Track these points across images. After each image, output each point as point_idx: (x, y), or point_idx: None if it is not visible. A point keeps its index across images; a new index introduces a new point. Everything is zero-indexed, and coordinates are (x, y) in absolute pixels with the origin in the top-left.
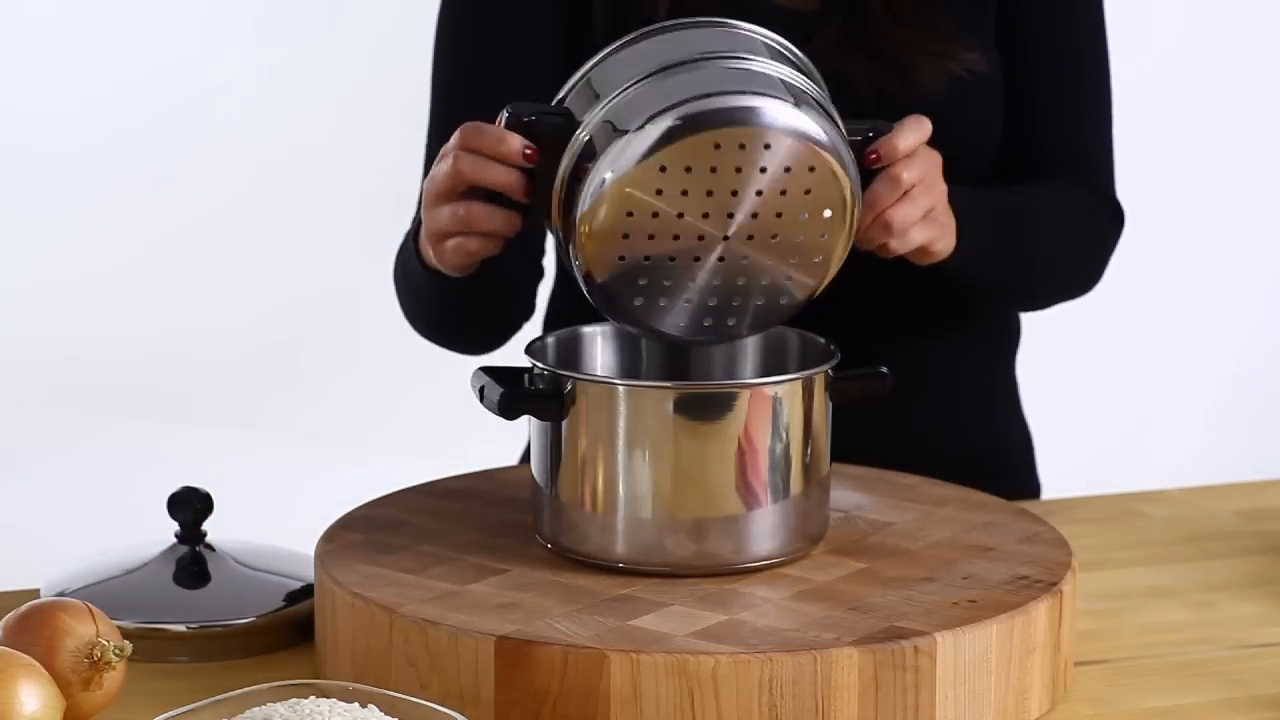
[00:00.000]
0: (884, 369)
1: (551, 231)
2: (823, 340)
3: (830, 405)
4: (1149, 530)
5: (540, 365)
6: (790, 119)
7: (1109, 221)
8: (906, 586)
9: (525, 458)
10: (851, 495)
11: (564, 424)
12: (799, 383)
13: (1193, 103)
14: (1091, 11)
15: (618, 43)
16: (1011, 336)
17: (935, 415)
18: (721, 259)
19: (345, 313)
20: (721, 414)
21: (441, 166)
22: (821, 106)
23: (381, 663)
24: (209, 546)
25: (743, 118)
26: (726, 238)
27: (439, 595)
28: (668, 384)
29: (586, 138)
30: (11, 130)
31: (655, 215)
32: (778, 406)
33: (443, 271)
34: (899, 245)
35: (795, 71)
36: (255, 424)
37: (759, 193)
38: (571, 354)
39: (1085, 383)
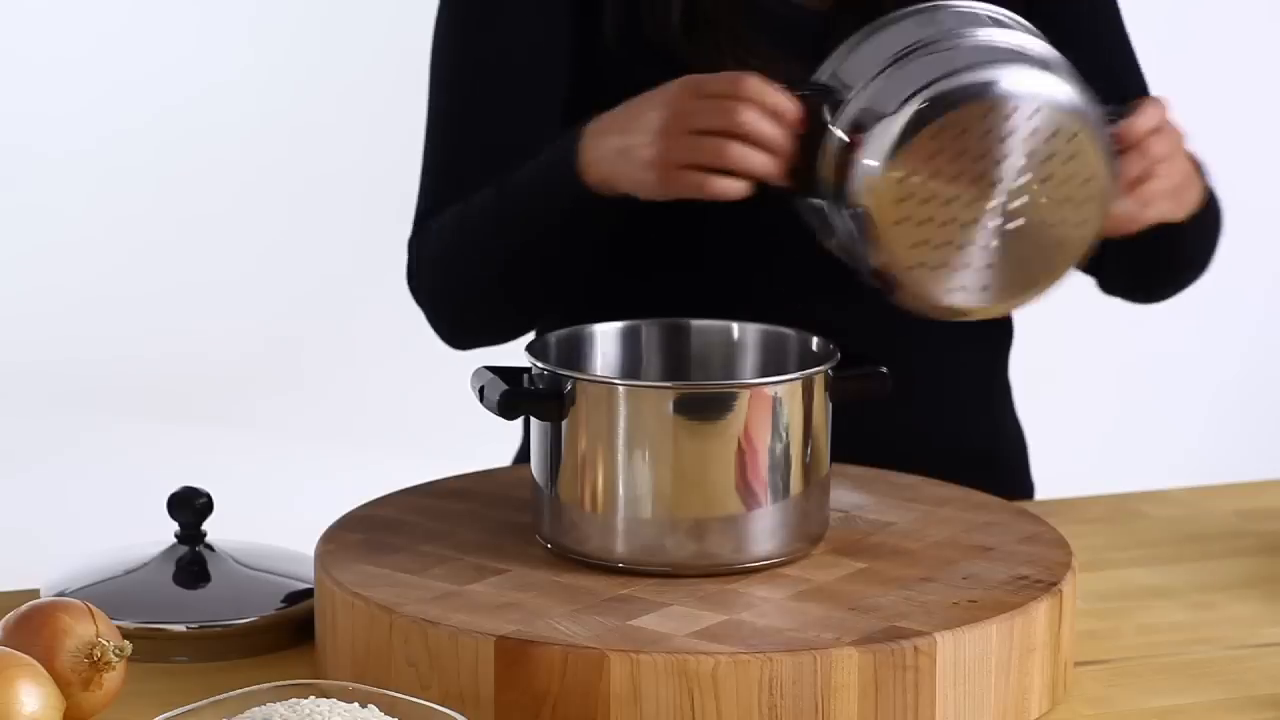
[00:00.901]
0: (883, 369)
1: (800, 196)
2: (822, 340)
3: (830, 405)
4: (1149, 530)
5: (540, 365)
6: (1036, 86)
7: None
8: (906, 586)
9: (520, 457)
10: (851, 495)
11: (564, 424)
12: (799, 383)
13: (1192, 102)
14: (1115, 14)
15: (857, 36)
16: (1004, 337)
17: (929, 416)
18: (996, 224)
19: (345, 313)
20: (721, 414)
21: (705, 105)
22: (1068, 69)
23: (381, 663)
24: (209, 546)
25: (987, 91)
26: (999, 204)
27: (439, 595)
28: (668, 384)
29: (848, 122)
30: (10, 131)
31: (927, 190)
32: (778, 406)
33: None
34: (1144, 218)
35: (1035, 39)
36: (255, 424)
37: (1025, 160)
38: (572, 353)
39: (1085, 383)
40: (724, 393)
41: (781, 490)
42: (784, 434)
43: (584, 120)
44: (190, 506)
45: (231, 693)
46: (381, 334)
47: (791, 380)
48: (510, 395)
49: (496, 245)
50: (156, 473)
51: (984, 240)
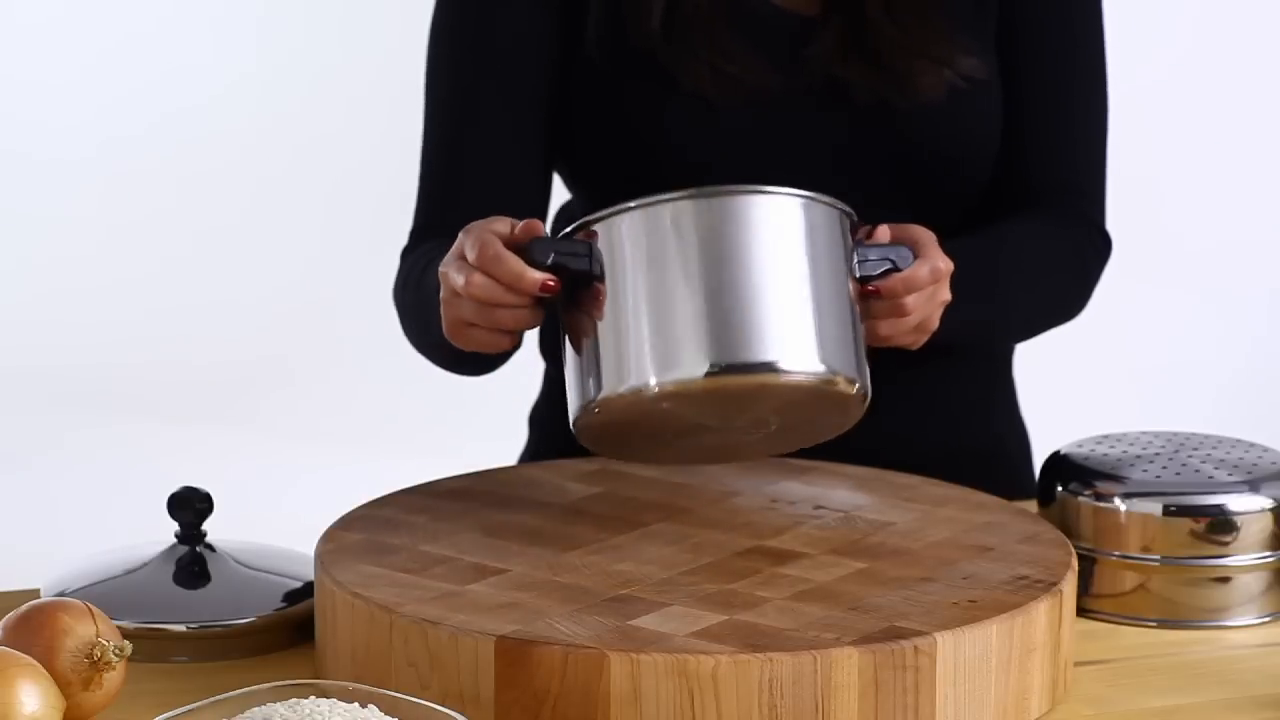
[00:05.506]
0: (904, 246)
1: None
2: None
3: (851, 246)
4: None
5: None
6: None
7: (1094, 255)
8: (906, 586)
9: (525, 458)
10: (851, 495)
11: (593, 265)
12: (820, 204)
13: (1195, 105)
14: (1091, 36)
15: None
16: None
17: (933, 417)
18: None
19: (346, 313)
20: (747, 220)
21: (459, 279)
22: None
23: (381, 663)
24: (209, 546)
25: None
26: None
27: (439, 595)
28: (685, 191)
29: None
30: (9, 135)
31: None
32: (799, 216)
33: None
34: (878, 344)
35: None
36: (255, 424)
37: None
38: None
39: (1086, 384)
40: (748, 195)
41: (800, 294)
42: (799, 244)
43: (567, 133)
44: (190, 506)
45: (231, 693)
46: (382, 334)
47: (801, 195)
48: (543, 240)
49: (417, 335)
50: (156, 473)
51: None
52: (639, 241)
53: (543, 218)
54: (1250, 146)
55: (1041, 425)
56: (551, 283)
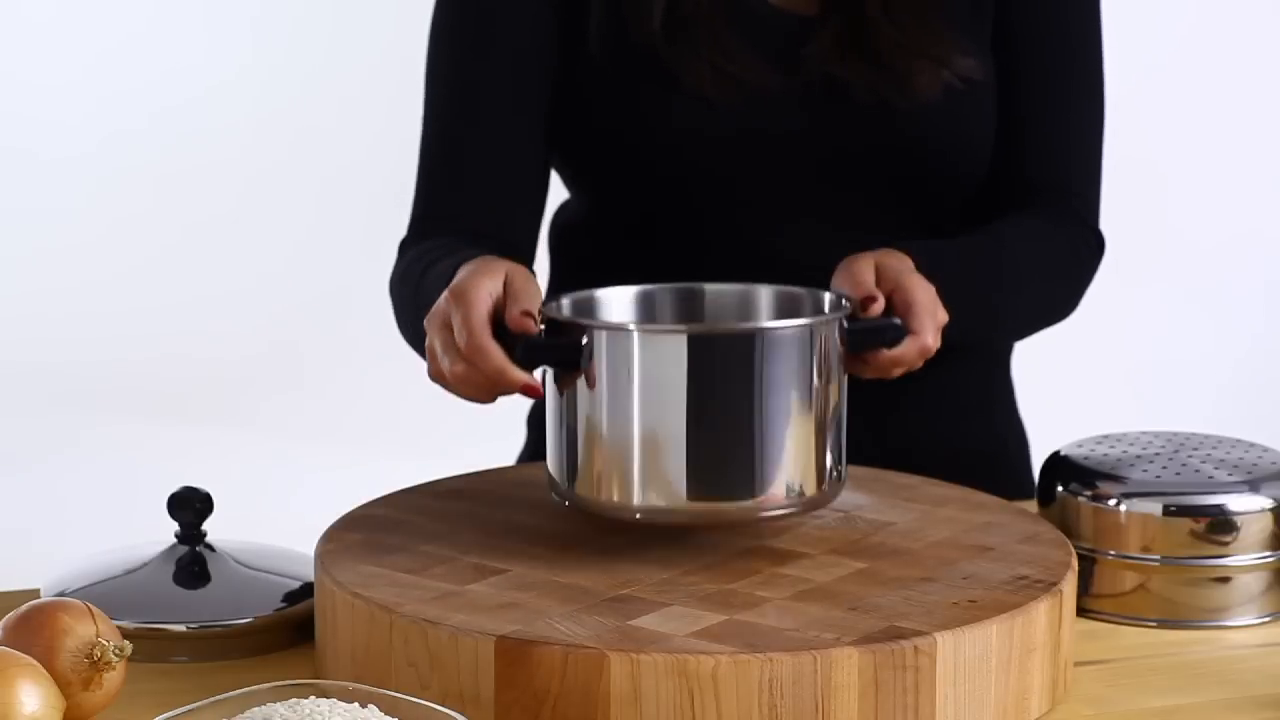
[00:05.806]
0: (896, 320)
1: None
2: (836, 297)
3: (845, 352)
4: None
5: (558, 317)
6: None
7: (1088, 255)
8: (906, 586)
9: (525, 458)
10: (851, 495)
11: (581, 373)
12: (810, 327)
13: (1193, 105)
14: (1088, 37)
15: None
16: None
17: (932, 417)
18: None
19: (345, 313)
20: (737, 355)
21: (444, 361)
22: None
23: (381, 663)
24: (209, 546)
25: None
26: None
27: (439, 595)
28: (681, 326)
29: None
30: (10, 134)
31: None
32: (792, 348)
33: None
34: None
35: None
36: (255, 424)
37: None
38: (586, 315)
39: (1086, 384)
40: (740, 333)
41: (797, 433)
42: (798, 377)
43: (566, 131)
44: (190, 506)
45: (231, 693)
46: (381, 334)
47: (804, 325)
48: (531, 345)
49: (410, 334)
50: (156, 473)
51: None
52: (634, 364)
53: (540, 213)
54: (1249, 145)
55: (1041, 425)
56: (534, 385)
